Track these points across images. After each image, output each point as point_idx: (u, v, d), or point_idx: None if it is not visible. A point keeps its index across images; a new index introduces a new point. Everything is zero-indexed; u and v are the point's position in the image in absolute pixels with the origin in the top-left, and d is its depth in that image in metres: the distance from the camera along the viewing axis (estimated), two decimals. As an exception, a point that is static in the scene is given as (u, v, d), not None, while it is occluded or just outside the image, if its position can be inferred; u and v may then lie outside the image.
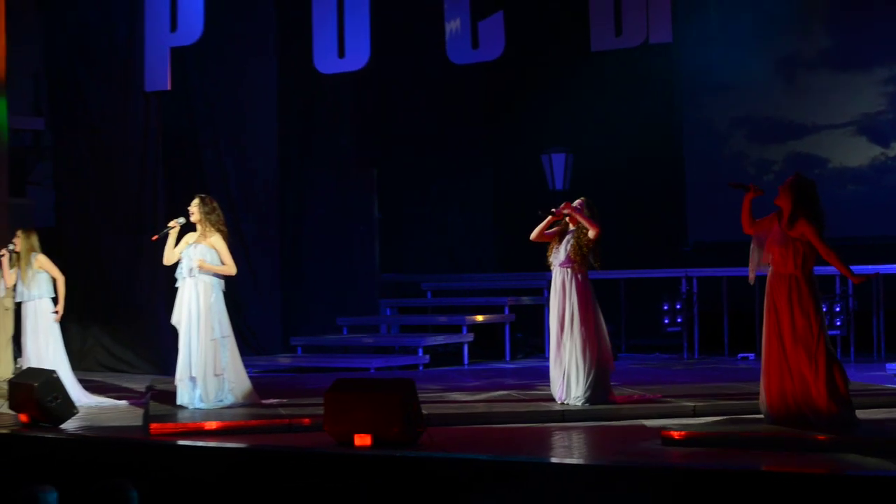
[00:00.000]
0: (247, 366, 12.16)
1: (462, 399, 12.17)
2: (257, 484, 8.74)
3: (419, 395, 9.50)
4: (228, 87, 17.24)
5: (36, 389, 10.66)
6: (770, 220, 9.69)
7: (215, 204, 11.82)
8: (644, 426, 10.35)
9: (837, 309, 15.98)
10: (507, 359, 17.48)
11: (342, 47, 15.63)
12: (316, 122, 18.60)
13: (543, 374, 12.24)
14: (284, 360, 16.76)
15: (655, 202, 19.45)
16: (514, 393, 12.55)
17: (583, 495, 7.77)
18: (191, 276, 11.60)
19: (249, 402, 11.65)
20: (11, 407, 11.20)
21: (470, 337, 17.15)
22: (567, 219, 11.49)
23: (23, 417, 10.94)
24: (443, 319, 18.08)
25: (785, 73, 18.61)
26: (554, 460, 8.88)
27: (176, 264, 11.77)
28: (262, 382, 13.34)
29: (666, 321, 17.35)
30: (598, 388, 11.24)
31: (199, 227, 11.72)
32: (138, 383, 14.43)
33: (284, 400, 12.06)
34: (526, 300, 18.29)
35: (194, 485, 8.99)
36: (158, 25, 15.74)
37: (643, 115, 18.93)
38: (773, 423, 9.52)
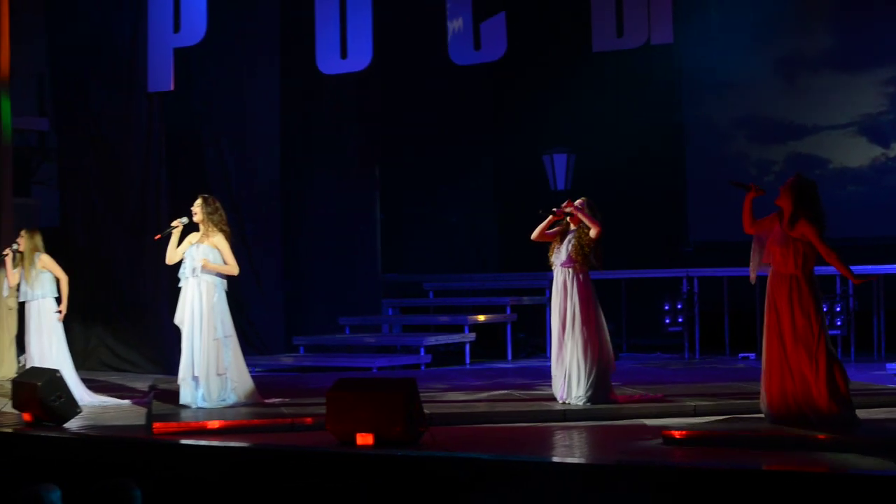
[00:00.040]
0: (249, 365, 12.20)
1: (464, 398, 12.19)
2: (260, 483, 8.77)
3: (421, 394, 9.53)
4: (231, 88, 17.26)
5: (39, 389, 10.68)
6: (771, 220, 9.72)
7: (218, 204, 11.85)
8: (645, 425, 10.36)
9: (838, 309, 16.00)
10: (509, 358, 17.51)
11: (345, 48, 15.65)
12: (318, 123, 18.62)
13: (545, 374, 12.27)
14: (287, 359, 16.78)
15: (656, 202, 19.45)
16: (515, 392, 12.57)
17: (584, 494, 7.79)
18: (194, 276, 11.63)
19: (252, 402, 11.67)
20: (15, 406, 11.23)
21: (472, 337, 17.18)
22: (568, 218, 11.52)
23: (26, 417, 10.96)
24: (445, 319, 18.10)
25: (786, 73, 18.61)
26: (555, 459, 8.89)
27: (179, 264, 11.81)
28: (265, 382, 13.37)
29: (667, 321, 17.36)
30: (600, 388, 11.27)
31: (201, 227, 11.75)
32: (141, 383, 14.47)
33: (287, 399, 12.09)
34: (527, 300, 18.32)
35: (197, 484, 9.01)
36: (162, 26, 15.79)
37: (644, 115, 18.95)
38: (774, 423, 9.54)
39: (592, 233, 11.30)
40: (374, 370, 15.77)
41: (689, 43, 17.42)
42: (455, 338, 17.29)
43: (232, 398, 11.62)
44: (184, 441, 9.95)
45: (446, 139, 20.20)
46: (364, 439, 9.21)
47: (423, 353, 16.54)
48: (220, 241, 11.68)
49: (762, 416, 9.74)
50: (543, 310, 16.98)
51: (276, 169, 17.78)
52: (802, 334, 9.43)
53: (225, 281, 11.73)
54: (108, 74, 16.44)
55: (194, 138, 17.10)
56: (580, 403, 11.20)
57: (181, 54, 15.94)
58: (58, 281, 12.65)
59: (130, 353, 16.30)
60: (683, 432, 9.43)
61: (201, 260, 11.56)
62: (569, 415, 10.96)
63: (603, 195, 12.78)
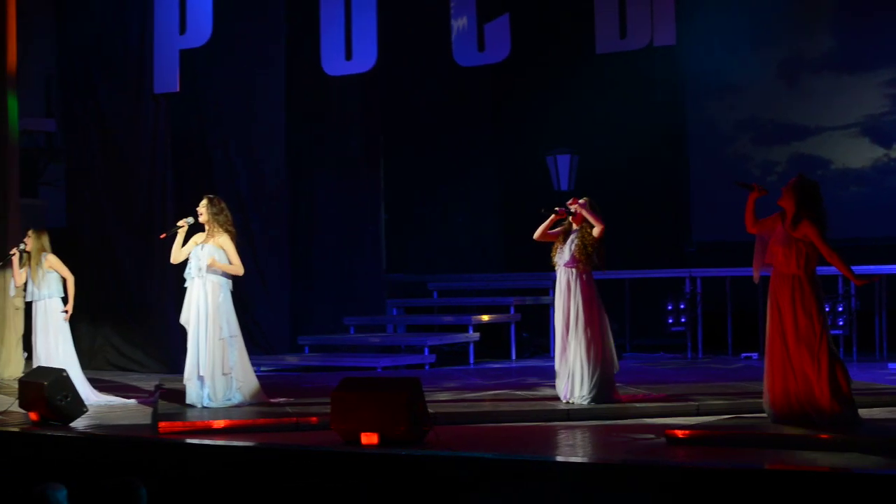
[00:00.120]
0: (254, 365, 12.24)
1: (468, 398, 12.22)
2: (265, 482, 8.80)
3: (425, 393, 9.57)
4: (237, 89, 17.30)
5: (46, 388, 10.73)
6: (773, 221, 9.74)
7: (223, 205, 11.88)
8: (648, 425, 10.37)
9: (840, 309, 16.02)
10: (513, 358, 17.53)
11: (350, 49, 15.69)
12: (323, 124, 18.65)
13: (549, 374, 12.30)
14: (292, 359, 16.81)
15: (660, 203, 19.49)
16: (519, 392, 12.61)
17: (588, 494, 7.81)
18: (199, 276, 11.67)
19: (257, 401, 11.71)
20: (21, 405, 11.27)
21: (476, 336, 17.20)
22: (570, 218, 11.55)
23: (33, 416, 11.00)
24: (449, 319, 18.11)
25: (788, 74, 18.63)
26: (559, 459, 8.90)
27: (184, 264, 11.85)
28: (270, 381, 13.42)
29: (670, 321, 17.38)
30: (603, 388, 11.29)
31: (207, 227, 11.78)
32: (147, 382, 14.50)
33: (292, 399, 12.11)
34: (531, 300, 18.34)
35: (203, 483, 9.04)
36: (168, 28, 15.84)
37: (647, 116, 18.95)
38: (777, 422, 9.56)
39: (596, 231, 11.33)
40: (379, 370, 15.80)
41: (691, 44, 17.44)
42: (459, 338, 17.32)
43: (237, 398, 11.66)
44: (189, 440, 9.97)
45: (451, 140, 20.23)
46: (368, 439, 9.24)
47: (427, 353, 16.57)
48: (225, 241, 11.71)
49: (765, 415, 9.76)
50: (547, 310, 17.01)
51: (281, 169, 17.81)
52: (805, 334, 9.46)
53: (230, 281, 11.77)
54: (115, 76, 16.50)
55: (200, 139, 17.15)
56: (584, 403, 11.22)
57: (187, 56, 16.00)
58: (64, 281, 12.68)
59: (136, 352, 16.34)
60: (686, 432, 9.46)
61: (209, 259, 11.60)
62: (572, 414, 10.99)
63: (606, 196, 12.80)
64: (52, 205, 18.35)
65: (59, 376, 10.94)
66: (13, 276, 13.11)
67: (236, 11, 16.58)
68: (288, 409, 11.49)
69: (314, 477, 8.68)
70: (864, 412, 9.81)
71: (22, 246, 12.78)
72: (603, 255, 11.44)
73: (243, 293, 13.85)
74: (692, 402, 11.27)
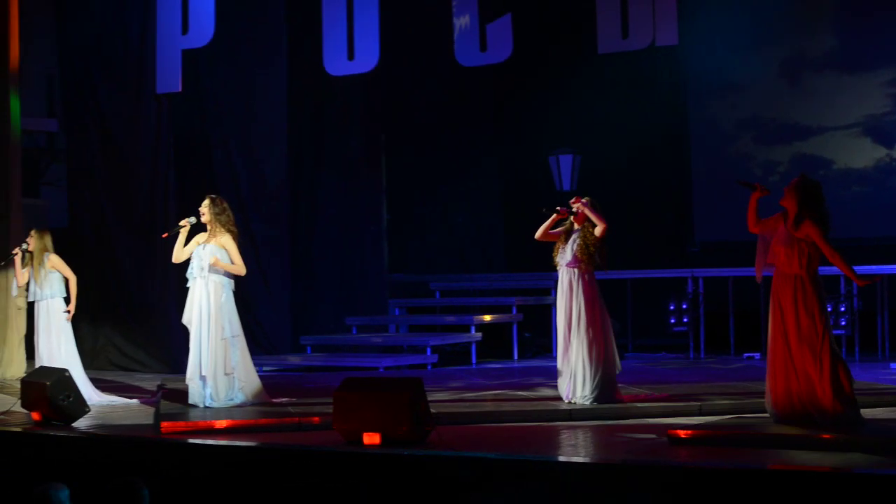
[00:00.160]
0: (257, 365, 12.25)
1: (470, 398, 12.23)
2: (267, 482, 8.81)
3: (427, 393, 9.57)
4: (239, 89, 17.30)
5: (48, 388, 10.74)
6: (775, 220, 9.74)
7: (226, 205, 11.89)
8: (650, 425, 10.38)
9: (842, 309, 16.02)
10: (515, 358, 17.53)
11: (352, 49, 15.69)
12: (325, 124, 18.66)
13: (551, 374, 12.31)
14: (294, 359, 16.82)
15: (662, 203, 19.48)
16: (521, 392, 12.61)
17: (590, 494, 7.82)
18: (201, 276, 11.68)
19: (259, 401, 11.72)
20: (24, 405, 11.28)
21: (478, 336, 17.20)
22: (572, 217, 11.56)
23: (35, 416, 11.02)
24: (451, 319, 18.12)
25: (790, 74, 18.62)
26: (561, 459, 8.91)
27: (186, 264, 11.86)
28: (272, 381, 13.43)
29: (672, 321, 17.38)
30: (605, 388, 11.30)
31: (209, 227, 11.79)
32: (149, 382, 14.50)
33: (294, 399, 12.13)
34: (533, 300, 18.34)
35: (205, 483, 9.06)
36: (170, 28, 15.85)
37: (649, 116, 18.94)
38: (779, 422, 9.57)
39: (598, 230, 11.33)
40: (381, 370, 15.80)
41: (693, 44, 17.43)
42: (461, 338, 17.32)
43: (239, 397, 11.67)
44: (192, 440, 9.99)
45: (452, 140, 20.23)
46: (371, 439, 9.25)
47: (429, 353, 16.58)
48: (227, 241, 11.72)
49: (767, 415, 9.77)
50: (549, 310, 17.00)
51: (283, 169, 17.82)
52: (807, 334, 9.46)
53: (232, 281, 11.78)
54: (116, 76, 16.51)
55: (202, 139, 17.15)
56: (586, 403, 11.23)
57: (189, 56, 16.01)
58: (66, 281, 12.68)
59: (138, 352, 16.35)
60: (689, 432, 9.47)
61: (212, 257, 11.61)
62: (574, 414, 11.00)
63: (608, 196, 12.81)
64: (54, 205, 18.37)
65: (62, 376, 10.95)
66: (15, 275, 13.12)
67: (238, 12, 16.60)
68: (290, 409, 11.50)
69: (316, 477, 8.69)
70: (866, 412, 9.81)
71: (24, 246, 12.78)
72: (605, 255, 11.44)
73: (245, 293, 13.87)
74: (694, 403, 11.27)
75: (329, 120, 18.66)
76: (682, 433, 9.41)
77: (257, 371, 12.07)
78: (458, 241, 20.68)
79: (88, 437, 10.37)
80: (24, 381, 11.41)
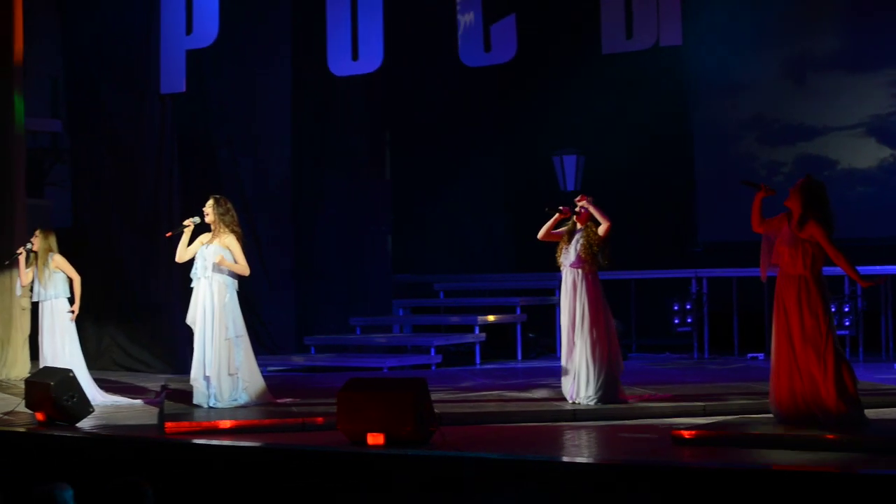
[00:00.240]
0: (261, 365, 12.25)
1: (474, 398, 12.23)
2: (271, 482, 8.81)
3: (431, 394, 9.57)
4: (243, 89, 17.32)
5: (52, 388, 10.74)
6: (779, 221, 9.74)
7: (230, 205, 11.90)
8: (654, 425, 10.39)
9: (846, 309, 16.00)
10: (519, 358, 17.53)
11: (356, 50, 15.68)
12: (330, 124, 18.66)
13: (555, 374, 12.30)
14: (298, 359, 16.82)
15: (666, 203, 19.47)
16: (525, 392, 12.61)
17: (593, 494, 7.82)
18: (205, 277, 11.69)
19: (263, 402, 11.73)
20: (28, 405, 11.28)
21: (482, 337, 17.20)
22: (575, 217, 11.56)
23: (39, 416, 11.02)
24: (455, 319, 18.13)
25: (794, 74, 18.60)
26: (565, 459, 8.90)
27: (190, 264, 11.87)
28: (276, 382, 13.43)
29: (676, 321, 17.37)
30: (609, 388, 11.31)
31: (213, 227, 11.80)
32: (153, 382, 14.50)
33: (298, 399, 12.14)
34: (537, 300, 18.34)
35: (209, 483, 9.07)
36: (174, 28, 15.86)
37: (653, 116, 18.92)
38: (783, 423, 9.57)
39: (602, 229, 11.33)
40: (385, 370, 15.81)
41: (697, 44, 17.43)
42: (465, 338, 17.33)
43: (243, 398, 11.67)
44: (196, 440, 9.99)
45: (457, 140, 20.23)
46: (375, 439, 9.25)
47: (433, 354, 16.58)
48: (231, 241, 11.73)
49: (771, 415, 9.78)
50: (553, 310, 16.99)
51: (287, 169, 17.84)
52: (811, 334, 9.46)
53: (236, 281, 11.78)
54: (120, 76, 16.51)
55: (206, 139, 17.17)
56: (590, 403, 11.24)
57: (193, 56, 16.01)
58: (71, 281, 12.69)
59: (143, 352, 16.35)
60: (692, 432, 9.47)
61: (217, 256, 11.61)
62: (578, 414, 11.01)
63: (612, 196, 12.82)
64: (58, 205, 18.37)
65: (66, 376, 10.96)
66: (19, 276, 13.12)
67: (242, 12, 16.59)
68: (294, 409, 11.51)
69: (320, 477, 8.70)
70: (870, 412, 9.81)
71: (29, 246, 12.78)
72: (608, 254, 11.43)
73: (249, 293, 13.87)
74: (698, 403, 11.28)
75: (333, 120, 18.66)
76: (686, 433, 9.41)
77: (261, 371, 12.08)
78: (462, 241, 20.69)
79: (92, 438, 10.36)
80: (28, 382, 11.40)
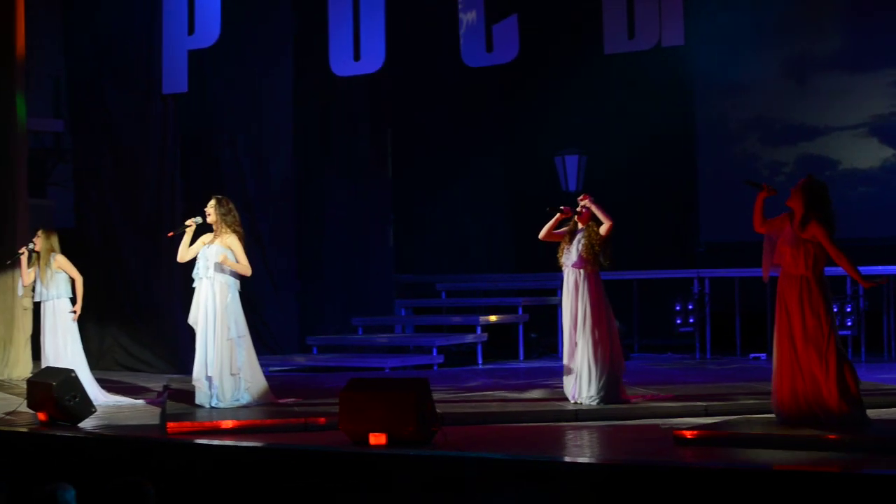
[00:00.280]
0: (263, 365, 12.25)
1: (476, 398, 12.23)
2: (273, 482, 8.82)
3: (433, 394, 9.57)
4: (245, 89, 17.32)
5: (54, 388, 10.74)
6: (781, 221, 9.73)
7: (231, 205, 11.90)
8: (656, 425, 10.39)
9: (848, 309, 16.00)
10: (521, 359, 17.53)
11: (358, 50, 15.70)
12: (331, 124, 18.67)
13: (557, 374, 12.30)
14: (300, 359, 16.83)
15: (668, 203, 19.48)
16: (527, 392, 12.61)
17: (595, 494, 7.83)
18: (207, 277, 11.69)
19: (265, 402, 11.73)
20: (30, 406, 11.29)
21: (484, 337, 17.21)
22: (576, 217, 11.55)
23: (41, 416, 11.02)
24: (457, 319, 18.13)
25: (796, 74, 18.60)
26: (567, 459, 8.91)
27: (192, 264, 11.87)
28: (278, 382, 13.42)
29: (678, 321, 17.38)
30: (611, 388, 11.30)
31: (215, 227, 11.80)
32: (155, 383, 14.51)
33: (300, 399, 12.13)
34: (539, 300, 18.34)
35: (211, 483, 9.07)
36: (176, 28, 15.88)
37: (655, 116, 18.91)
38: (785, 423, 9.56)
39: (604, 228, 11.32)
40: (387, 370, 15.81)
41: (699, 44, 17.42)
42: (467, 338, 17.34)
43: (245, 398, 11.67)
44: (198, 441, 9.99)
45: (459, 140, 20.24)
46: (377, 439, 9.25)
47: (435, 354, 16.58)
48: (233, 241, 11.73)
49: (773, 416, 9.77)
50: (555, 310, 16.97)
51: (289, 169, 17.85)
52: (813, 335, 9.46)
53: (238, 281, 11.78)
54: (123, 76, 16.52)
55: (208, 139, 17.19)
56: (592, 403, 11.24)
57: (195, 56, 16.04)
58: (73, 281, 12.69)
59: (145, 352, 16.36)
60: (694, 432, 9.47)
61: (221, 255, 11.61)
62: (580, 414, 11.01)
63: (614, 196, 12.82)
64: (60, 205, 18.39)
65: (68, 377, 10.96)
66: (21, 276, 13.12)
67: (244, 12, 16.61)
68: (296, 409, 11.51)
69: (322, 477, 8.70)
70: (872, 413, 9.80)
71: (31, 246, 12.78)
72: (610, 254, 11.41)
73: (251, 293, 13.87)
74: (700, 403, 11.27)
75: (335, 120, 18.67)
76: (688, 433, 9.41)
77: (263, 371, 12.08)
78: (465, 241, 20.70)
79: (94, 438, 10.37)
80: (31, 382, 11.41)
